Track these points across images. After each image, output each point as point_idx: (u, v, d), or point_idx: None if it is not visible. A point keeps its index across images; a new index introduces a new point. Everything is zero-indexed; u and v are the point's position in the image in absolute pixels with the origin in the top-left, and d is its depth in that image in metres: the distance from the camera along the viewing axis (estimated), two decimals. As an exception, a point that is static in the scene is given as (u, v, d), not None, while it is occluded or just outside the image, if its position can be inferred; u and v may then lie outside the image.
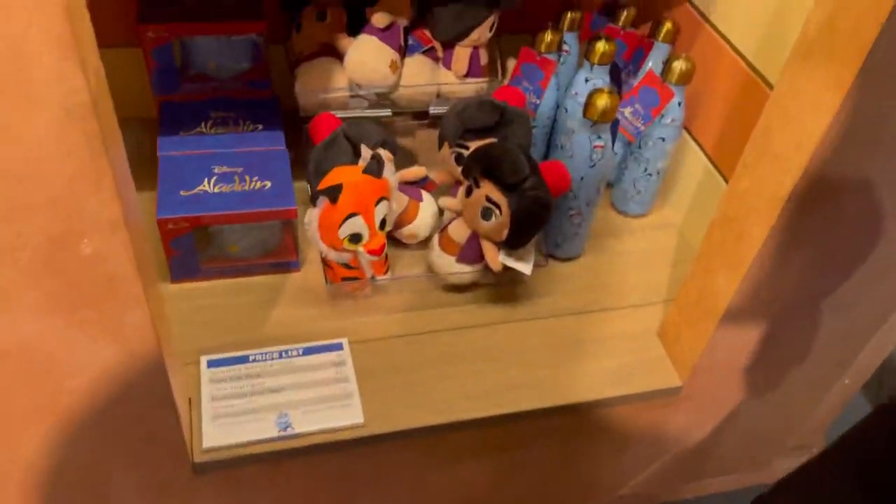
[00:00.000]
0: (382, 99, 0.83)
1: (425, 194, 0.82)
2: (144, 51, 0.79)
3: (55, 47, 0.34)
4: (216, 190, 0.74)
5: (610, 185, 0.93)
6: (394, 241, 0.82)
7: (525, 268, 0.75)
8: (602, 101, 0.72)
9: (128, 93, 0.92)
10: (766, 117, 0.58)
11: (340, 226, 0.69)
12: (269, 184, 0.76)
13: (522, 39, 0.89)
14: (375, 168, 0.70)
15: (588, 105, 0.73)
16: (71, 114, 0.37)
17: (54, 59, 0.35)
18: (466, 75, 0.83)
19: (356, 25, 0.81)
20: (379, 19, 0.78)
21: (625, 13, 0.87)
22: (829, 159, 0.55)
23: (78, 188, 0.40)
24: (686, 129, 0.87)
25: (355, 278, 0.75)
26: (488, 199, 0.72)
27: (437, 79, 0.84)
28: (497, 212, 0.72)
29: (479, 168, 0.72)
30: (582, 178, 0.77)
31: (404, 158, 0.93)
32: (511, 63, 0.91)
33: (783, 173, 0.56)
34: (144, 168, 0.79)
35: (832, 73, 0.51)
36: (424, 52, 0.83)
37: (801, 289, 0.67)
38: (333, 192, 0.67)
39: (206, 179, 0.75)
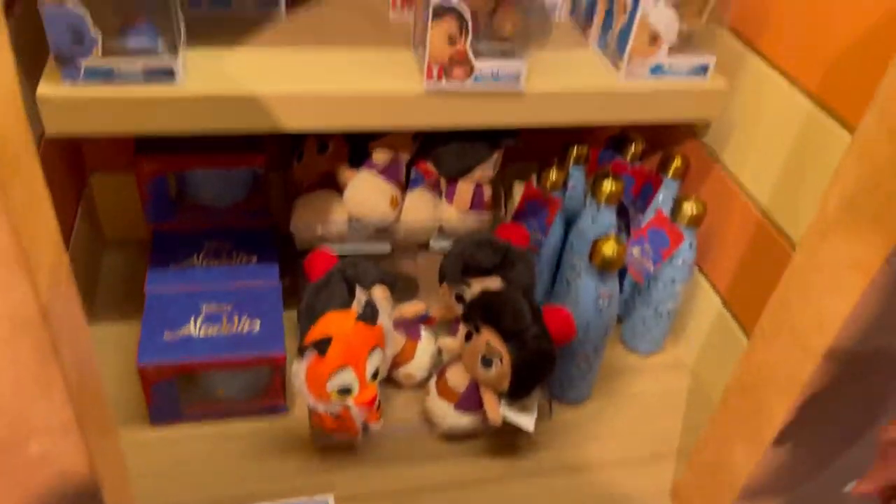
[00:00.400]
0: (382, 232, 0.81)
1: (424, 332, 0.78)
2: (139, 183, 0.77)
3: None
4: (202, 333, 0.71)
5: (619, 320, 0.89)
6: (389, 380, 0.78)
7: (527, 422, 0.70)
8: (608, 250, 0.69)
9: (126, 215, 0.91)
10: (784, 288, 0.54)
11: (329, 379, 0.65)
12: (258, 324, 0.72)
13: (529, 167, 0.87)
14: (369, 315, 0.67)
15: (593, 252, 0.70)
16: (17, 325, 0.34)
17: (-1, 273, 0.32)
18: (469, 210, 0.81)
19: (358, 156, 0.79)
20: (379, 157, 0.76)
21: (633, 147, 0.85)
22: (856, 340, 0.50)
23: (25, 394, 0.37)
24: (698, 266, 0.83)
25: (345, 429, 0.71)
26: (488, 347, 0.68)
27: (439, 212, 0.82)
28: (498, 361, 0.68)
29: (478, 315, 0.69)
30: (588, 325, 0.73)
31: (405, 287, 0.90)
32: (518, 187, 0.89)
33: (804, 353, 0.52)
34: (134, 298, 0.76)
35: (856, 254, 0.47)
36: (426, 186, 0.81)
37: (828, 464, 0.62)
38: (322, 346, 0.64)
39: (192, 319, 0.72)
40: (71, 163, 0.82)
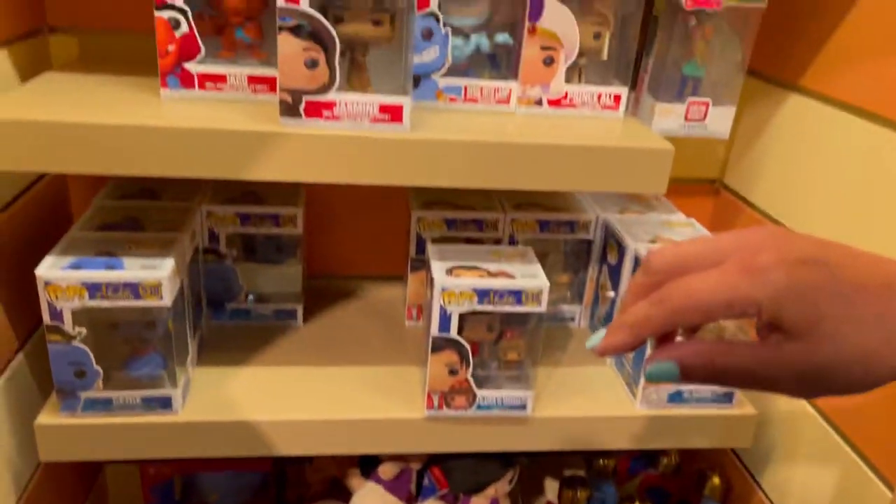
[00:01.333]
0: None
1: None
2: (144, 487, 0.75)
3: None
4: None
5: None
6: None
7: None
8: None
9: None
10: None
11: None
12: None
13: (553, 472, 0.80)
14: None
15: None
16: None
17: None
18: (484, 529, 0.74)
19: (370, 461, 0.76)
20: (386, 471, 0.72)
21: (665, 459, 0.78)
22: None
23: None
24: None
25: None
26: None
27: (452, 529, 0.75)
28: None
29: None
30: None
31: None
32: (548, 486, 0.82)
33: None
34: None
35: None
36: (439, 497, 0.76)
37: None
38: None
39: None
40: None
